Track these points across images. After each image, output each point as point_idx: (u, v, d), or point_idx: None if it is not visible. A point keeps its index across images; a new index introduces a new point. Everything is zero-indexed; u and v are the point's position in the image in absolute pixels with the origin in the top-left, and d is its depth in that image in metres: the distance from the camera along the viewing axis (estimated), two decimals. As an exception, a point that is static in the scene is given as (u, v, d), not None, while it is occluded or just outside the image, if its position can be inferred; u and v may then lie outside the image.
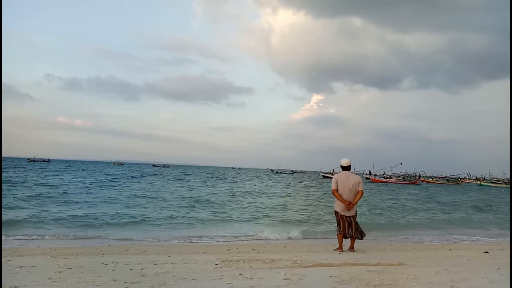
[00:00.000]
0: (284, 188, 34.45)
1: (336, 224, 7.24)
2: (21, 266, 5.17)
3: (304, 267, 5.40)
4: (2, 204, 13.82)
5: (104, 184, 28.17)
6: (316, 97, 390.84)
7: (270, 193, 26.95)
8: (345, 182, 6.94)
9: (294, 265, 5.56)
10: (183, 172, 67.27)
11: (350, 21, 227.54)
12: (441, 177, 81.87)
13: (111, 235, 9.87)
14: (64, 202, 15.87)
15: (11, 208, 13.41)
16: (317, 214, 15.24)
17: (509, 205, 15.44)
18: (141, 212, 13.93)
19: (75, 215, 12.27)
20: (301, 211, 16.32)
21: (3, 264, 5.04)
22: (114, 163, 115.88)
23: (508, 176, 68.44)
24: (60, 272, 4.91)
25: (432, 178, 78.55)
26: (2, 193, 17.84)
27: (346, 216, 6.97)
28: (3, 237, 8.49)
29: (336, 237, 7.30)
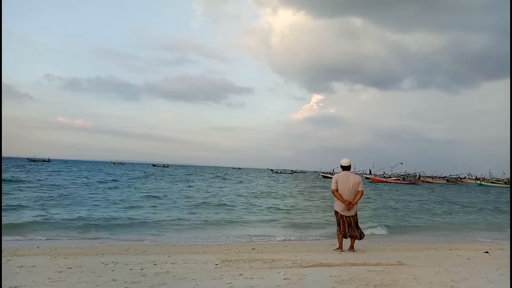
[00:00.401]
0: (292, 188, 34.08)
1: (336, 224, 7.25)
2: (21, 266, 5.17)
3: (304, 267, 5.40)
4: (13, 205, 13.77)
5: (118, 184, 28.19)
6: (316, 97, 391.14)
7: (282, 194, 26.29)
8: (345, 182, 6.94)
9: (294, 265, 5.56)
10: (186, 172, 67.12)
11: (350, 21, 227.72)
12: (441, 177, 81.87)
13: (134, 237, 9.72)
14: (78, 203, 15.68)
15: (23, 209, 13.35)
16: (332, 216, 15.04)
17: None
18: (159, 214, 13.65)
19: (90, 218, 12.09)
20: (319, 212, 16.07)
21: (3, 264, 5.03)
22: (114, 163, 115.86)
23: (508, 176, 68.41)
24: (60, 272, 4.90)
25: (432, 178, 78.52)
26: (13, 194, 17.76)
27: (346, 216, 6.97)
28: (3, 237, 8.48)
29: (336, 237, 7.30)
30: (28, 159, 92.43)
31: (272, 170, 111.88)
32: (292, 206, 18.38)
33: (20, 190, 19.81)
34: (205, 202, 18.05)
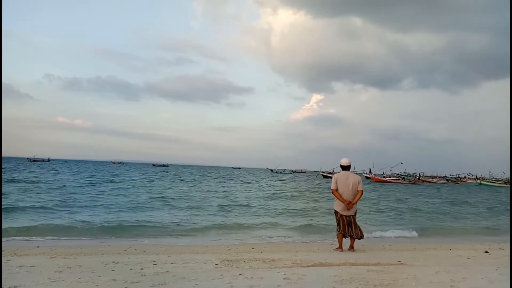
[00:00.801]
0: (300, 189, 33.79)
1: (336, 224, 7.25)
2: (21, 266, 5.17)
3: (304, 266, 5.40)
4: (23, 207, 13.74)
5: (132, 185, 28.25)
6: (316, 97, 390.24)
7: (294, 195, 25.58)
8: (345, 182, 6.95)
9: (294, 264, 5.56)
10: (189, 173, 66.82)
11: (350, 21, 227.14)
12: (441, 177, 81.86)
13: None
14: (97, 205, 15.44)
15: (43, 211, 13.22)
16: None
17: None
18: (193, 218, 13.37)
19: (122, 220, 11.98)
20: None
21: (3, 264, 5.03)
22: (114, 163, 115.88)
23: (508, 176, 68.42)
24: (60, 272, 4.91)
25: (432, 178, 78.52)
26: (20, 195, 17.69)
27: (345, 216, 6.98)
28: (3, 237, 8.48)
29: (336, 237, 7.31)
30: (28, 159, 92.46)
31: (272, 170, 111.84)
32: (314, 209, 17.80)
33: (39, 192, 19.44)
34: (228, 205, 17.54)
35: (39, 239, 9.02)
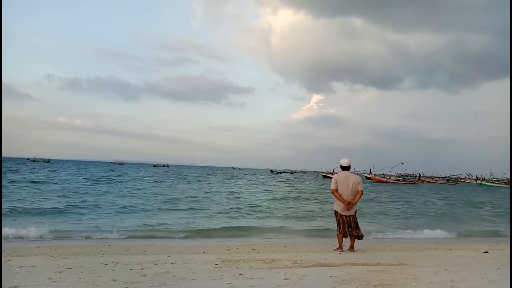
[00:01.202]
0: (307, 190, 33.58)
1: (336, 224, 7.25)
2: (21, 266, 5.17)
3: (304, 267, 5.40)
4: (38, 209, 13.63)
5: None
6: (316, 97, 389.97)
7: (305, 197, 24.65)
8: (345, 182, 6.95)
9: (294, 265, 5.56)
10: (196, 174, 66.50)
11: (350, 21, 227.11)
12: (441, 177, 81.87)
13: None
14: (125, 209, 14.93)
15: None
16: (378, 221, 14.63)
17: None
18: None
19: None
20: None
21: (3, 264, 5.03)
22: (114, 163, 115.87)
23: (508, 176, 68.42)
24: (60, 272, 4.91)
25: (432, 178, 78.54)
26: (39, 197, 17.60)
27: (345, 216, 6.98)
28: (3, 237, 8.48)
29: (336, 237, 7.31)
30: (28, 159, 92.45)
31: (272, 171, 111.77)
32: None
33: (64, 196, 18.83)
34: (242, 208, 16.91)
35: (39, 239, 9.02)
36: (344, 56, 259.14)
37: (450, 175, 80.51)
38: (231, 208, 16.61)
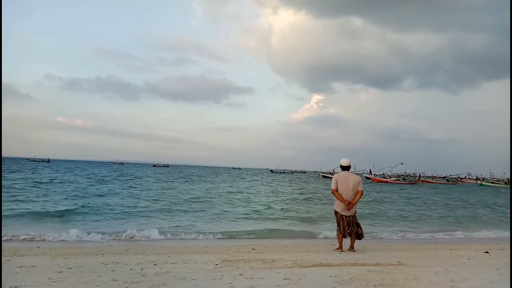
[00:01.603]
0: (315, 190, 33.33)
1: (336, 224, 7.25)
2: (21, 266, 5.17)
3: (304, 267, 5.40)
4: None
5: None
6: (316, 97, 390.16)
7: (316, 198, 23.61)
8: (345, 182, 6.95)
9: (294, 265, 5.56)
10: (194, 173, 66.40)
11: (351, 21, 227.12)
12: (441, 177, 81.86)
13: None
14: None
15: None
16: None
17: None
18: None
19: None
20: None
21: (3, 264, 5.03)
22: (114, 163, 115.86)
23: (508, 176, 68.42)
24: (60, 272, 4.91)
25: (432, 178, 78.52)
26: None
27: (346, 216, 6.98)
28: (3, 237, 8.48)
29: (336, 237, 7.31)
30: (28, 159, 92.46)
31: (272, 170, 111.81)
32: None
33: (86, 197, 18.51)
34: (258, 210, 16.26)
35: (39, 239, 9.01)
36: (344, 56, 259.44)
37: (450, 175, 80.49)
38: (255, 211, 16.30)
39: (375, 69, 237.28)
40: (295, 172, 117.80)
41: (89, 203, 15.83)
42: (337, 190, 6.95)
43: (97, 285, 4.25)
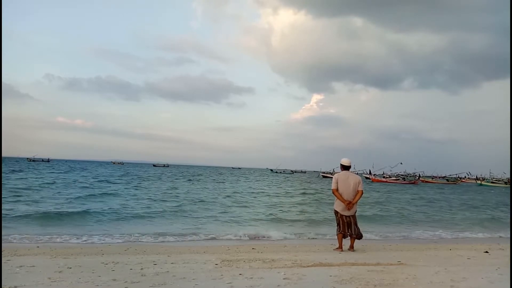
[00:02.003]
0: (319, 190, 33.08)
1: (336, 224, 7.25)
2: (21, 266, 5.17)
3: (304, 267, 5.40)
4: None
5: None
6: (316, 97, 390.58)
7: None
8: (346, 182, 6.95)
9: (294, 265, 5.56)
10: (196, 173, 66.36)
11: (351, 21, 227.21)
12: (441, 177, 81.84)
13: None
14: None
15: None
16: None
17: None
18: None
19: None
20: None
21: (3, 264, 5.03)
22: (114, 163, 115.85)
23: (508, 176, 68.38)
24: (60, 272, 4.91)
25: (432, 178, 78.50)
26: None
27: (346, 216, 6.98)
28: (3, 237, 8.47)
29: (336, 236, 7.31)
30: (27, 159, 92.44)
31: (272, 170, 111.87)
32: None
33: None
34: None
35: (39, 238, 9.01)
36: (345, 56, 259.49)
37: (450, 175, 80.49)
38: (281, 210, 16.22)
39: (375, 69, 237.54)
40: (295, 172, 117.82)
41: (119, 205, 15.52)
42: (337, 189, 6.95)
43: (97, 285, 4.24)
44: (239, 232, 10.43)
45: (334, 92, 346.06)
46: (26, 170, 41.57)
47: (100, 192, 20.84)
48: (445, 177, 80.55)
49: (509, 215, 18.01)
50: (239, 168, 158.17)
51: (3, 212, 11.64)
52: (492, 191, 44.04)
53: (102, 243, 8.67)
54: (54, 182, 26.32)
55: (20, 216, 11.57)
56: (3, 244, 7.46)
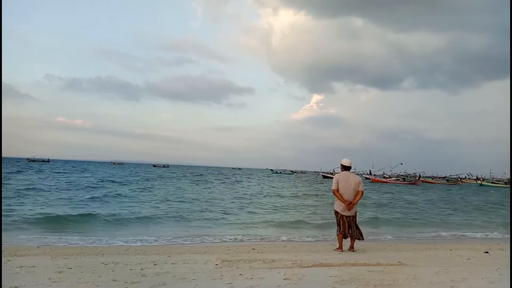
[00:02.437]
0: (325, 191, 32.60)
1: (336, 224, 7.25)
2: (21, 266, 5.17)
3: (304, 267, 5.40)
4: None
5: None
6: (316, 97, 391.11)
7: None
8: (346, 182, 6.95)
9: (294, 265, 5.56)
10: (197, 173, 66.15)
11: (351, 21, 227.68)
12: (441, 177, 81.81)
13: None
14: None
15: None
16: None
17: None
18: None
19: None
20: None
21: (3, 264, 5.03)
22: (114, 163, 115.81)
23: (508, 176, 68.40)
24: (60, 272, 4.90)
25: (432, 178, 78.48)
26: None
27: (346, 216, 6.98)
28: (3, 237, 8.47)
29: (336, 237, 7.30)
30: (27, 159, 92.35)
31: (272, 170, 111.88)
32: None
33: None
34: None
35: (39, 238, 9.01)
36: (345, 56, 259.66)
37: (450, 175, 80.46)
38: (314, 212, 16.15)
39: (375, 69, 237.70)
40: (295, 172, 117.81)
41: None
42: (338, 190, 6.95)
43: (97, 285, 4.24)
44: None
45: (334, 92, 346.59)
46: (28, 171, 41.37)
47: (109, 194, 20.58)
48: (445, 177, 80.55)
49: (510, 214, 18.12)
50: (239, 168, 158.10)
51: (6, 214, 11.60)
52: (492, 191, 44.04)
53: (102, 244, 8.66)
54: (57, 183, 26.23)
55: (21, 219, 11.39)
56: (3, 244, 7.45)
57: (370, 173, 69.02)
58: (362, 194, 7.04)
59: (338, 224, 7.11)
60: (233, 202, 19.65)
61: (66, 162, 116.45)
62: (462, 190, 47.09)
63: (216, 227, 12.05)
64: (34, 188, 21.02)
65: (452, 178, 77.16)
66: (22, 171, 39.27)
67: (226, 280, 4.43)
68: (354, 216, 7.05)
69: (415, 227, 13.41)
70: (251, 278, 4.53)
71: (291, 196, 25.30)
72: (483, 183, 66.61)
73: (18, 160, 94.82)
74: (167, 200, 18.93)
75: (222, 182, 39.77)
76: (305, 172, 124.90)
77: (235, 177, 56.87)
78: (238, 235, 10.58)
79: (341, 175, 7.08)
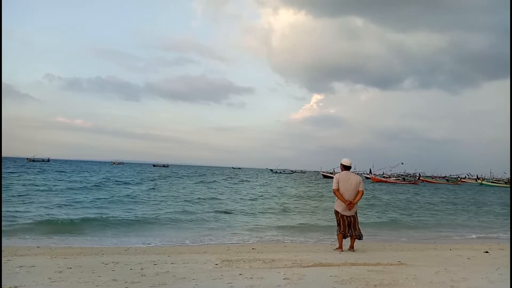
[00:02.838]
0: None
1: (336, 224, 7.25)
2: (21, 266, 5.17)
3: (304, 267, 5.40)
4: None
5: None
6: (316, 97, 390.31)
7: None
8: (346, 182, 6.96)
9: (294, 265, 5.56)
10: (199, 173, 65.76)
11: (351, 21, 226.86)
12: (441, 177, 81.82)
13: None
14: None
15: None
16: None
17: None
18: None
19: None
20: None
21: (3, 264, 5.03)
22: (114, 163, 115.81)
23: (508, 176, 68.37)
24: (60, 272, 4.91)
25: (432, 178, 78.49)
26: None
27: (346, 216, 6.98)
28: (3, 237, 8.47)
29: (336, 237, 7.31)
30: (27, 159, 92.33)
31: (272, 170, 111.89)
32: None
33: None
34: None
35: (39, 238, 9.01)
36: (345, 56, 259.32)
37: (450, 175, 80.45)
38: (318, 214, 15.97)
39: (376, 69, 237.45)
40: (295, 172, 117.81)
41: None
42: (338, 189, 6.95)
43: (97, 285, 4.24)
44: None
45: (334, 92, 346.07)
46: (28, 171, 41.28)
47: (115, 194, 20.28)
48: (445, 177, 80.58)
49: (509, 214, 18.10)
50: (239, 168, 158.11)
51: (6, 214, 11.57)
52: (493, 191, 44.06)
53: (102, 244, 8.66)
54: (61, 183, 26.19)
55: (22, 222, 11.24)
56: (3, 244, 7.46)
57: (370, 172, 69.01)
58: (363, 193, 7.04)
59: (338, 224, 7.11)
60: (238, 202, 19.62)
61: (66, 162, 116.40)
62: (462, 190, 47.08)
63: (218, 227, 12.05)
64: (36, 189, 20.92)
65: (452, 178, 77.17)
66: (22, 171, 39.14)
67: (226, 280, 4.43)
68: (355, 216, 7.06)
69: (415, 228, 13.38)
70: (251, 278, 4.53)
71: (297, 197, 25.21)
72: (483, 182, 66.65)
73: (17, 160, 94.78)
74: (175, 199, 18.89)
75: (228, 182, 39.76)
76: (305, 172, 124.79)
77: (238, 177, 56.82)
78: (239, 235, 10.59)
79: (341, 175, 7.08)
